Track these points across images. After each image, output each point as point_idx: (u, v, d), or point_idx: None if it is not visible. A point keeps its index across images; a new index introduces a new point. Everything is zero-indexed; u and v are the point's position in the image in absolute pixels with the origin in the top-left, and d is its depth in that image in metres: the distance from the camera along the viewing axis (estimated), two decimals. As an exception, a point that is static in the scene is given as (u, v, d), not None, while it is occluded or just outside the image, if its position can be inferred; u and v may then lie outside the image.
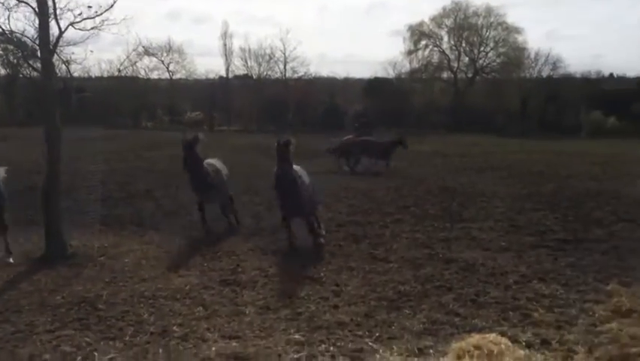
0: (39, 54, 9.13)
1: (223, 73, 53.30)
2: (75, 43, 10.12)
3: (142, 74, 52.40)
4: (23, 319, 6.10)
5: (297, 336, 5.60)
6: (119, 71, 48.54)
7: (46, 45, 8.65)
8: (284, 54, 51.53)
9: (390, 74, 51.24)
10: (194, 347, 5.37)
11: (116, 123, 37.68)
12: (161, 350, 5.30)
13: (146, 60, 54.28)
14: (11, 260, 8.42)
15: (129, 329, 5.79)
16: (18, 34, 9.58)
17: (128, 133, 33.56)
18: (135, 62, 49.62)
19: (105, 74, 49.87)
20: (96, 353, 5.23)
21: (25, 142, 22.82)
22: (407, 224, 10.72)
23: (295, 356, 5.16)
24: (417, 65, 50.40)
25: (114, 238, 9.75)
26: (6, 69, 50.69)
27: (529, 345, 5.31)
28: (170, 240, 9.65)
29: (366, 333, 5.67)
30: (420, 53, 50.24)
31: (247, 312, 6.29)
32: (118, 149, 22.94)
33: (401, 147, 18.85)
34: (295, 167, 8.74)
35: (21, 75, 49.48)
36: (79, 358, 5.15)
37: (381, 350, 5.23)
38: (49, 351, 5.31)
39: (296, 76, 51.55)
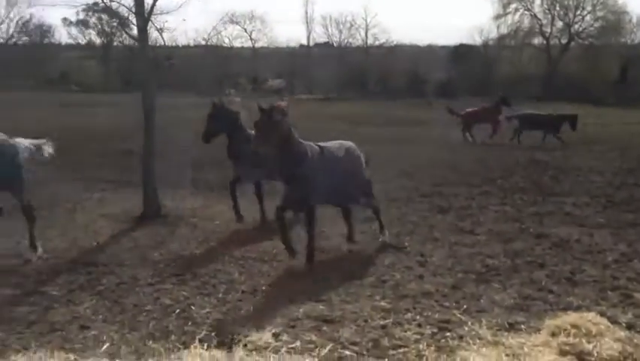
0: (134, 22, 9.54)
1: (304, 41, 53.57)
2: (168, 12, 10.49)
3: (226, 42, 53.80)
4: (126, 272, 6.55)
5: (382, 303, 5.61)
6: (206, 40, 49.98)
7: (142, 13, 9.00)
8: (365, 21, 50.83)
9: (477, 40, 49.08)
10: (284, 307, 5.53)
11: (200, 91, 38.98)
12: (252, 308, 5.51)
13: (230, 28, 55.45)
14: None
15: (222, 287, 6.06)
16: (116, 2, 10.07)
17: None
18: (220, 31, 50.91)
19: (191, 43, 51.62)
20: (193, 307, 5.53)
21: (122, 108, 24.19)
22: (494, 197, 10.36)
23: (382, 322, 5.18)
24: (506, 31, 47.85)
25: (203, 200, 10.19)
26: (101, 38, 53.92)
27: (630, 326, 4.99)
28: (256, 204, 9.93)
29: (454, 304, 5.56)
30: (509, 17, 47.60)
31: (332, 277, 6.37)
32: (204, 116, 23.71)
33: (569, 125, 17.64)
34: (330, 144, 6.98)
35: (115, 43, 52.32)
36: (177, 310, 5.46)
37: (469, 323, 5.12)
38: (150, 302, 5.68)
39: (377, 43, 50.76)
